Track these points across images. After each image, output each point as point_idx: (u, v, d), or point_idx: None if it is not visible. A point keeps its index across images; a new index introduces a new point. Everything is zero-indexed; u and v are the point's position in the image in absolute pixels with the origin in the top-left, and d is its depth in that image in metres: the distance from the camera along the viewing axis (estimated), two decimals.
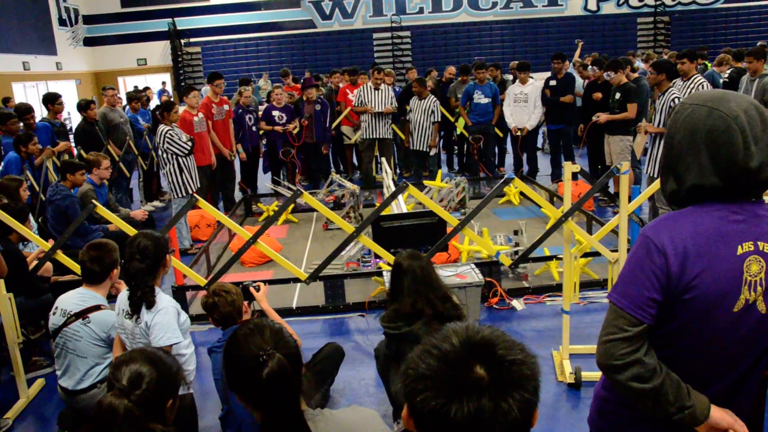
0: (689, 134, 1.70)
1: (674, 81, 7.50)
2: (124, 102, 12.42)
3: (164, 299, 3.42)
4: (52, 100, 8.66)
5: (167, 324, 3.31)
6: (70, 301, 3.72)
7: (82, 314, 3.64)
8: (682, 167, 1.73)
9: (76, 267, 5.03)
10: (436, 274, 3.60)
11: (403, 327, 3.38)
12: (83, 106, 9.07)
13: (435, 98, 9.77)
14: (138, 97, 11.19)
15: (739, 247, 1.65)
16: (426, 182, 8.86)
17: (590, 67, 9.91)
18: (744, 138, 1.63)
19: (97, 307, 3.69)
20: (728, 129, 1.64)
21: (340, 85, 11.51)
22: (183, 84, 22.42)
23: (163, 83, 23.15)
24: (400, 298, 3.44)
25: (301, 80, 12.72)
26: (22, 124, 7.71)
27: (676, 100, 6.55)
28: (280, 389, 1.76)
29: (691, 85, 6.94)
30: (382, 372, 3.82)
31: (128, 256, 3.38)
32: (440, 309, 3.36)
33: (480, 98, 9.88)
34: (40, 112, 10.47)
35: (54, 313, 3.73)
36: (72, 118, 17.46)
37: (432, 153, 10.07)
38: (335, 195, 8.47)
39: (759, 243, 1.66)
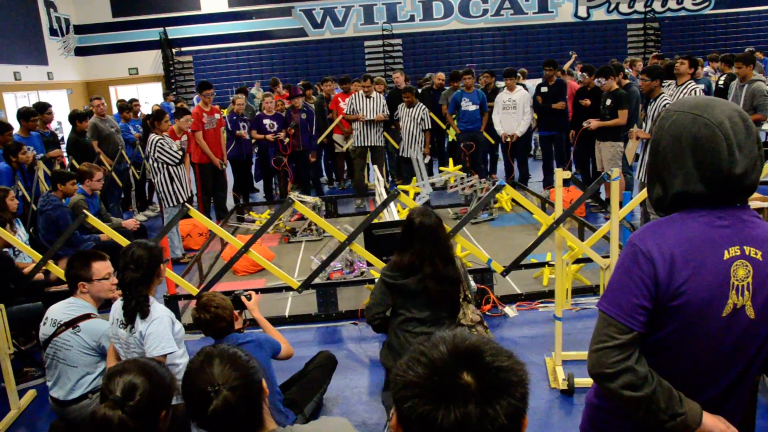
0: (674, 141, 1.72)
1: (669, 83, 7.53)
2: (115, 111, 12.39)
3: (159, 309, 3.41)
4: (41, 110, 8.64)
5: (162, 333, 3.30)
6: (59, 310, 3.71)
7: (72, 323, 3.63)
8: (668, 174, 1.74)
9: None
10: (445, 234, 3.69)
11: (399, 278, 3.50)
12: (74, 118, 9.07)
13: (423, 106, 9.78)
14: (130, 107, 11.15)
15: (726, 252, 1.66)
16: (441, 168, 8.94)
17: (580, 73, 9.97)
18: (728, 144, 1.64)
19: (87, 316, 3.67)
20: (713, 136, 1.65)
21: (332, 94, 11.53)
22: (175, 93, 22.39)
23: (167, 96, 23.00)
24: (404, 252, 3.56)
25: (289, 88, 12.73)
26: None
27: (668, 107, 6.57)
28: (227, 425, 1.76)
29: (684, 91, 6.99)
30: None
31: (122, 266, 3.37)
32: (439, 269, 3.47)
33: (468, 105, 9.91)
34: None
35: (44, 324, 3.70)
36: (63, 128, 17.40)
37: (426, 160, 10.07)
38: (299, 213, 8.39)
39: (745, 248, 1.67)
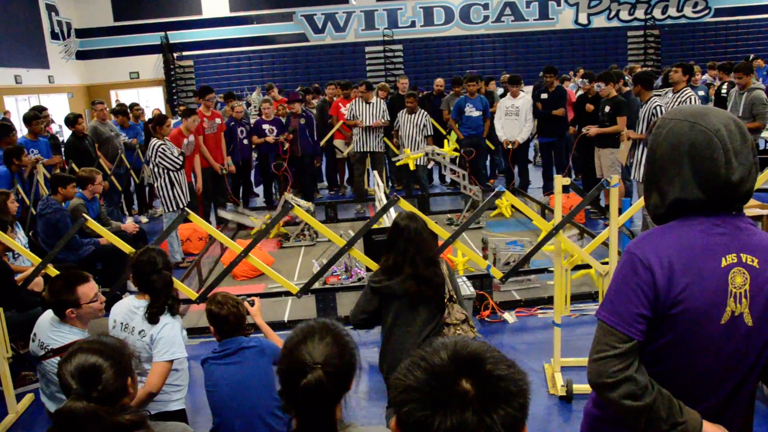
0: (672, 148, 1.72)
1: (666, 90, 7.56)
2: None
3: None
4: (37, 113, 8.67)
5: (173, 338, 3.29)
6: (46, 331, 3.44)
7: (60, 351, 3.37)
8: (665, 181, 1.74)
9: None
10: (430, 239, 3.80)
11: (384, 281, 3.61)
12: (71, 121, 9.04)
13: (425, 112, 9.78)
14: (124, 111, 11.01)
15: (723, 259, 1.66)
16: (437, 149, 8.96)
17: (580, 80, 9.98)
18: (725, 152, 1.65)
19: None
20: (710, 143, 1.66)
21: (334, 98, 11.54)
22: (176, 97, 22.43)
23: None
24: (389, 253, 3.68)
25: (287, 93, 12.76)
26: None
27: (658, 109, 6.62)
28: (313, 403, 1.73)
29: (681, 97, 7.02)
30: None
31: (147, 270, 3.37)
32: (420, 270, 3.57)
33: (471, 111, 9.92)
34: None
35: (33, 341, 3.50)
36: (63, 131, 17.42)
37: (430, 166, 10.05)
38: (290, 215, 8.39)
39: (742, 255, 1.67)
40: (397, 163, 9.34)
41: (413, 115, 9.59)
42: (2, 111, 17.46)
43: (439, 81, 11.99)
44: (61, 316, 3.43)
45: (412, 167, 9.14)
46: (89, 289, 3.44)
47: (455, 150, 9.45)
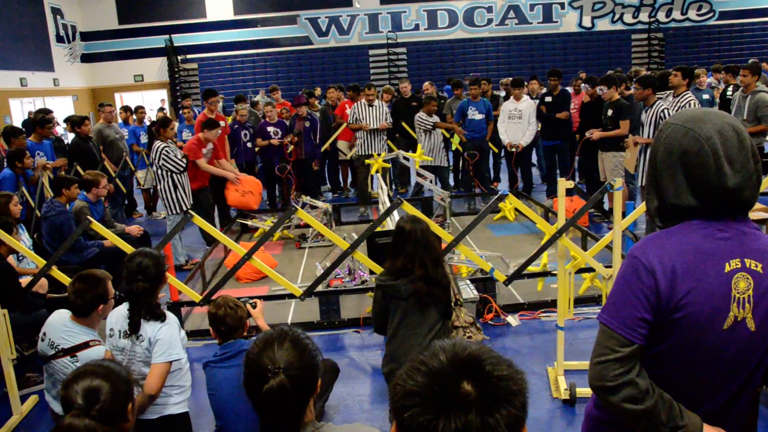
0: (667, 154, 1.73)
1: (667, 94, 7.54)
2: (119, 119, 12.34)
3: (167, 314, 3.40)
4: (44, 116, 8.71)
5: (170, 339, 3.28)
6: (57, 332, 3.44)
7: (71, 351, 3.40)
8: (662, 186, 1.75)
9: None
10: (435, 239, 3.87)
11: (389, 280, 3.70)
12: (77, 122, 9.08)
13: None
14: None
15: (727, 264, 1.66)
16: (409, 154, 8.91)
17: (583, 85, 9.97)
18: (716, 160, 1.64)
19: (86, 345, 3.43)
20: (700, 151, 1.66)
21: (338, 101, 11.54)
22: (180, 100, 22.45)
23: (162, 101, 23.20)
24: (396, 256, 3.73)
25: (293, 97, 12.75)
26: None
27: (666, 112, 6.59)
28: (276, 407, 1.78)
29: (682, 101, 7.01)
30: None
31: (129, 276, 3.33)
32: (430, 272, 3.64)
33: (474, 114, 9.93)
34: None
35: (42, 340, 3.50)
36: (68, 134, 17.48)
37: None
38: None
39: (746, 260, 1.67)
40: (372, 170, 9.27)
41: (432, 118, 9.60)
42: (8, 114, 17.54)
43: (427, 85, 11.89)
44: (87, 315, 3.44)
45: (375, 171, 9.09)
46: (111, 286, 3.53)
47: (417, 156, 9.39)
